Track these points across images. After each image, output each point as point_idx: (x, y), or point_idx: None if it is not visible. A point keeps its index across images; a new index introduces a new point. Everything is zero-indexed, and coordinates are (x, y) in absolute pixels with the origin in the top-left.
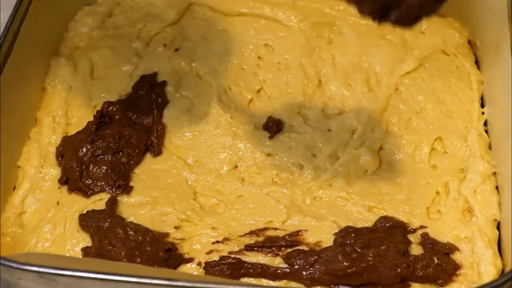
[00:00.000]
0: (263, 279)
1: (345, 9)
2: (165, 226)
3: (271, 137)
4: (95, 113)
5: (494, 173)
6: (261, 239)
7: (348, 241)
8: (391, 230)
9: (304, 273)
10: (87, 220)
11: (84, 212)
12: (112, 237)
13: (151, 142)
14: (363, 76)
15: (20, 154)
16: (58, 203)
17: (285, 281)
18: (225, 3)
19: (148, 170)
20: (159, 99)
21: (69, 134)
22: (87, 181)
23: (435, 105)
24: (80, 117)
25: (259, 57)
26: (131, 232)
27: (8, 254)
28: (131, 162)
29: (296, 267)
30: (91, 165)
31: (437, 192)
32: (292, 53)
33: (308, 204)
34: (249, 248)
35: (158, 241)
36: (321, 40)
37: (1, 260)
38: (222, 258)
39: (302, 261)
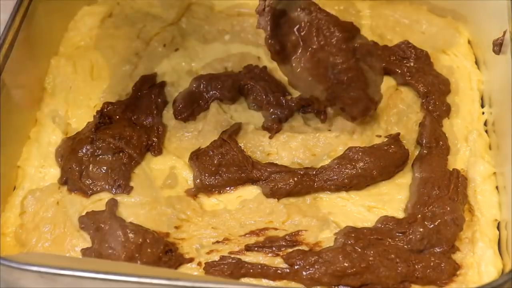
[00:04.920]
0: (263, 279)
1: (345, 9)
2: (165, 226)
3: (271, 137)
4: (95, 113)
5: (494, 173)
6: (261, 239)
7: (349, 241)
8: (391, 230)
9: (304, 273)
10: (86, 222)
11: (84, 213)
12: (112, 240)
13: (152, 142)
14: None
15: (20, 154)
16: (58, 203)
17: (285, 281)
18: (225, 3)
19: (148, 170)
20: (159, 99)
21: (69, 134)
22: (87, 181)
23: None
24: (80, 117)
25: (259, 57)
26: (131, 234)
27: (8, 254)
28: (132, 163)
29: (296, 267)
30: (90, 165)
31: None
32: None
33: (308, 204)
34: (249, 248)
35: (158, 242)
36: None
37: (1, 260)
38: (222, 258)
39: (302, 261)
